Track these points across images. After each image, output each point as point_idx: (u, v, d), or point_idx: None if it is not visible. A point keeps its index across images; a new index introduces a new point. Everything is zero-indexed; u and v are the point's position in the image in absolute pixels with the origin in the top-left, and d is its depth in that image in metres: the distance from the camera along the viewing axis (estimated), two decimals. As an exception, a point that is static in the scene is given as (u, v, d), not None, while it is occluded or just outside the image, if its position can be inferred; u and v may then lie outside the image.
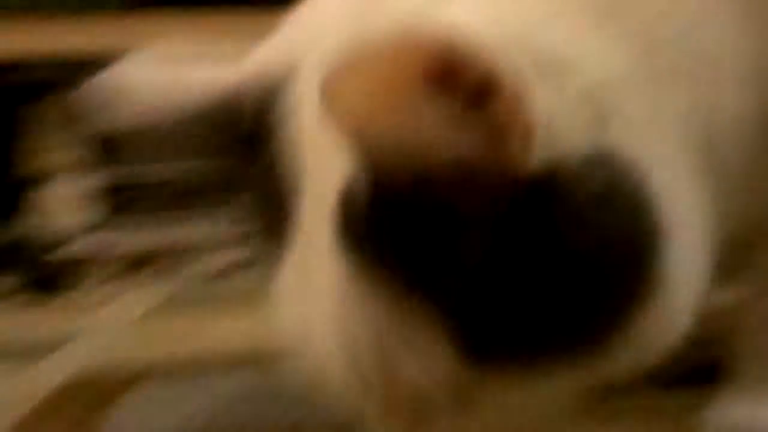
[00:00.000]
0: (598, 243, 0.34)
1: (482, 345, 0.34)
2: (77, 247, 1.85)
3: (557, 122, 0.34)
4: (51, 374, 0.92)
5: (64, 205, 1.88)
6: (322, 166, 0.37)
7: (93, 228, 1.86)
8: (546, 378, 0.36)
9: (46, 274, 1.84)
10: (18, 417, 0.73)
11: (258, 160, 0.42)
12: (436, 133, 0.31)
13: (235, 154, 0.44)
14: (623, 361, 0.37)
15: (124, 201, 2.06)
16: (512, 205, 0.33)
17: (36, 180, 1.90)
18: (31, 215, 1.91)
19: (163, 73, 0.44)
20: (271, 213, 0.41)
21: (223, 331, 1.00)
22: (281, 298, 0.41)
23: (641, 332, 0.36)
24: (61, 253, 1.83)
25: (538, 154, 0.33)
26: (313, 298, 0.38)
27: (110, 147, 1.88)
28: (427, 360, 0.35)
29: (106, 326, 1.32)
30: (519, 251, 0.33)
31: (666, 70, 0.38)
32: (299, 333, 0.40)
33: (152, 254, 1.81)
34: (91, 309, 1.57)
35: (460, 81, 0.30)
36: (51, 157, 1.91)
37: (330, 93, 0.29)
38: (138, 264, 1.85)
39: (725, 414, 0.54)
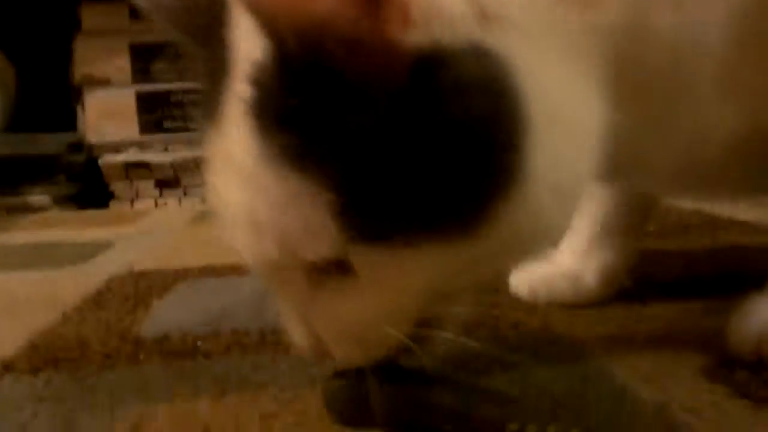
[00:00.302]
0: (467, 126, 0.37)
1: (365, 222, 0.38)
2: (123, 157, 1.90)
3: (440, 10, 0.37)
4: (99, 274, 1.00)
5: (110, 114, 1.90)
6: (240, 46, 0.40)
7: (137, 140, 1.89)
8: (419, 256, 0.39)
9: (93, 183, 1.90)
10: (71, 309, 0.81)
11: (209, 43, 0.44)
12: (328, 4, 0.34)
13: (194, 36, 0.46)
14: (493, 246, 0.40)
15: (164, 114, 2.08)
16: (398, 83, 0.36)
17: (84, 88, 1.91)
18: (80, 124, 1.96)
19: None
20: (208, 96, 0.43)
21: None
22: (209, 173, 0.43)
23: (506, 218, 0.39)
24: (108, 162, 1.88)
25: (419, 32, 0.36)
26: (228, 175, 0.41)
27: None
28: (318, 239, 0.39)
29: (147, 232, 1.40)
30: (401, 129, 0.37)
31: None
32: (218, 205, 0.43)
33: (190, 165, 1.84)
34: (135, 217, 1.65)
35: None
36: (99, 66, 1.90)
37: None
38: (177, 176, 1.90)
39: (752, 318, 0.56)
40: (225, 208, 0.42)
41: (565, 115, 0.41)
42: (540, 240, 0.43)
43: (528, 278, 0.75)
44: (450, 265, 0.41)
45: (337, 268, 0.41)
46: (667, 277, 0.83)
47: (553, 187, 0.40)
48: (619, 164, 0.46)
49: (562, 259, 0.75)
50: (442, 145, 0.37)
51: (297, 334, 0.46)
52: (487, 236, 0.39)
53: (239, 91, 0.39)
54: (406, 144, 0.37)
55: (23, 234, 1.41)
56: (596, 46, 0.42)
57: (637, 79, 0.44)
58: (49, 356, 0.66)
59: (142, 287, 0.90)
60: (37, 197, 1.78)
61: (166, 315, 0.78)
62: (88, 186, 1.91)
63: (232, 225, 0.41)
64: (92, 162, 1.90)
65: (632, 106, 0.44)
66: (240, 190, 0.40)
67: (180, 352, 0.65)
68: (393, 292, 0.42)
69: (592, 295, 0.73)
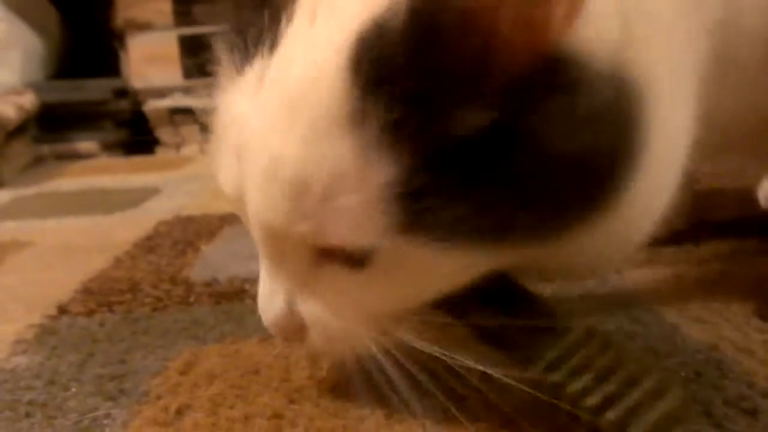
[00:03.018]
0: (579, 153, 0.34)
1: (422, 214, 0.34)
2: (167, 102, 1.91)
3: (594, 18, 0.33)
4: (148, 219, 1.02)
5: (153, 59, 1.90)
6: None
7: (181, 84, 1.90)
8: (459, 257, 0.36)
9: (139, 129, 1.92)
10: (122, 253, 0.83)
11: None
12: None
13: None
14: (546, 261, 0.38)
15: (208, 58, 2.08)
16: (521, 80, 0.32)
17: (126, 33, 1.91)
18: (124, 69, 1.97)
19: None
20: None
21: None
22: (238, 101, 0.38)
23: (580, 239, 0.36)
24: (153, 108, 1.89)
25: (569, 36, 0.32)
26: (280, 117, 0.35)
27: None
28: (359, 224, 0.34)
29: (194, 178, 1.42)
30: (503, 131, 0.33)
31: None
32: (234, 140, 0.38)
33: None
34: (181, 162, 1.67)
35: None
36: (141, 10, 1.90)
37: None
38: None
39: None
40: (246, 149, 0.36)
41: (674, 134, 0.39)
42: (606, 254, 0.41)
43: None
44: (489, 267, 0.38)
45: (352, 259, 0.37)
46: (721, 217, 0.81)
47: (642, 211, 0.38)
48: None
49: None
50: (544, 160, 0.33)
51: (269, 306, 0.41)
52: (548, 251, 0.37)
53: (337, 38, 0.34)
54: (505, 145, 0.33)
55: (73, 181, 1.44)
56: (700, 47, 0.40)
57: (724, 73, 0.43)
58: (102, 299, 0.67)
59: (190, 232, 0.92)
60: (85, 144, 1.80)
61: (213, 259, 0.79)
62: (135, 132, 1.93)
63: (250, 172, 0.36)
64: (138, 108, 1.92)
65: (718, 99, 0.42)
66: (290, 137, 0.34)
67: (228, 294, 0.67)
68: (403, 286, 0.38)
69: None
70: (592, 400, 0.34)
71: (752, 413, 0.40)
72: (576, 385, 0.35)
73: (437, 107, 0.33)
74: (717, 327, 0.52)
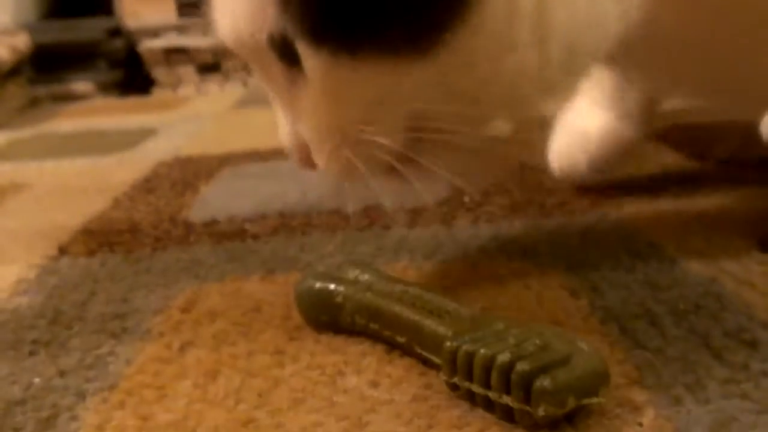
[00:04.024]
0: None
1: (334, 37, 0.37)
2: (162, 42, 1.89)
3: None
4: (146, 160, 1.01)
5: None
6: None
7: (175, 23, 1.87)
8: (361, 66, 0.37)
9: (135, 69, 1.90)
10: (121, 194, 0.83)
11: None
12: None
13: None
14: (452, 68, 0.38)
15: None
16: None
17: None
18: (117, 8, 1.94)
19: None
20: None
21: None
22: None
23: (464, 45, 0.37)
24: (147, 47, 1.87)
25: None
26: None
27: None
28: (260, 13, 0.38)
29: (191, 118, 1.40)
30: None
31: None
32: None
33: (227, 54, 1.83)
34: (178, 103, 1.65)
35: None
36: None
37: None
38: (217, 60, 1.89)
39: None
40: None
41: None
42: (503, 80, 0.39)
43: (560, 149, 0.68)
44: (394, 85, 0.38)
45: (292, 63, 0.39)
46: (721, 152, 0.81)
47: (509, 14, 0.38)
48: None
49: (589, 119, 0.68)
50: None
51: (283, 134, 0.44)
52: (440, 59, 0.37)
53: None
54: None
55: (69, 122, 1.43)
56: None
57: None
58: (103, 239, 0.68)
59: (189, 173, 0.91)
60: (81, 85, 1.78)
61: (213, 199, 0.79)
62: (131, 73, 1.91)
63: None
64: (133, 48, 1.89)
65: None
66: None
67: (228, 234, 0.67)
68: (339, 101, 0.40)
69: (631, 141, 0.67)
70: (503, 357, 0.34)
71: (752, 344, 0.41)
72: (486, 351, 0.35)
73: None
74: (717, 260, 0.52)
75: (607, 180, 0.69)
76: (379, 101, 0.39)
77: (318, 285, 0.46)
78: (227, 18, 0.40)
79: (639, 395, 0.37)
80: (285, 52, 0.39)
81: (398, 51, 0.37)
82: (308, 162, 0.43)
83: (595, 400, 0.34)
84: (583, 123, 0.67)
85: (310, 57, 0.38)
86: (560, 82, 0.41)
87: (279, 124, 0.44)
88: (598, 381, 0.35)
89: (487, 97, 0.40)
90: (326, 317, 0.46)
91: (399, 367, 0.41)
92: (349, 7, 0.36)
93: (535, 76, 0.39)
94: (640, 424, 0.34)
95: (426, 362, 0.40)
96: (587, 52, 0.41)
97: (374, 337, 0.43)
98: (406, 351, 0.42)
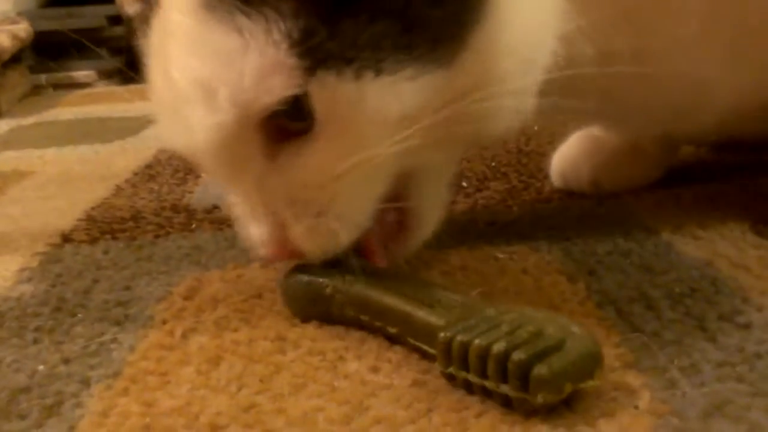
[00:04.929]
0: None
1: (326, 47, 0.37)
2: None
3: None
4: (147, 147, 1.02)
5: None
6: None
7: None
8: (384, 88, 0.38)
9: (136, 57, 1.89)
10: (123, 182, 0.83)
11: None
12: None
13: None
14: (465, 80, 0.39)
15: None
16: None
17: None
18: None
19: None
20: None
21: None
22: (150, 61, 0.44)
23: (479, 51, 0.39)
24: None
25: None
26: (170, 49, 0.41)
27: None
28: (275, 77, 0.37)
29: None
30: None
31: None
32: (160, 92, 0.43)
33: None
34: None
35: None
36: None
37: None
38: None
39: None
40: (170, 90, 0.41)
41: None
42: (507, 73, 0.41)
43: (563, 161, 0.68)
44: (419, 100, 0.39)
45: (296, 120, 0.39)
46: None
47: (524, 21, 0.40)
48: None
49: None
50: None
51: (257, 231, 0.44)
52: (460, 67, 0.38)
53: None
54: None
55: (71, 109, 1.43)
56: None
57: None
58: (105, 227, 0.68)
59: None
60: (83, 72, 1.78)
61: (214, 187, 0.79)
62: (132, 60, 1.90)
63: (182, 102, 0.40)
64: (134, 35, 1.89)
65: None
66: (184, 56, 0.39)
67: (229, 221, 0.67)
68: (356, 134, 0.40)
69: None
70: (499, 347, 0.35)
71: (746, 327, 0.41)
72: (481, 341, 0.35)
73: None
74: (712, 243, 0.52)
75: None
76: (402, 117, 0.39)
77: (306, 278, 0.46)
78: (218, 105, 0.39)
79: (635, 378, 0.37)
80: (292, 112, 0.39)
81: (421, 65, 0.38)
82: (284, 248, 0.43)
83: (591, 382, 0.35)
84: (593, 133, 0.68)
85: (327, 93, 0.38)
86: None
87: (243, 227, 0.45)
88: (592, 363, 0.35)
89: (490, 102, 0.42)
90: (316, 310, 0.46)
91: (399, 352, 0.42)
92: (373, 29, 0.37)
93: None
94: (636, 407, 0.35)
95: (419, 352, 0.41)
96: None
97: (366, 328, 0.44)
98: (399, 341, 0.42)
